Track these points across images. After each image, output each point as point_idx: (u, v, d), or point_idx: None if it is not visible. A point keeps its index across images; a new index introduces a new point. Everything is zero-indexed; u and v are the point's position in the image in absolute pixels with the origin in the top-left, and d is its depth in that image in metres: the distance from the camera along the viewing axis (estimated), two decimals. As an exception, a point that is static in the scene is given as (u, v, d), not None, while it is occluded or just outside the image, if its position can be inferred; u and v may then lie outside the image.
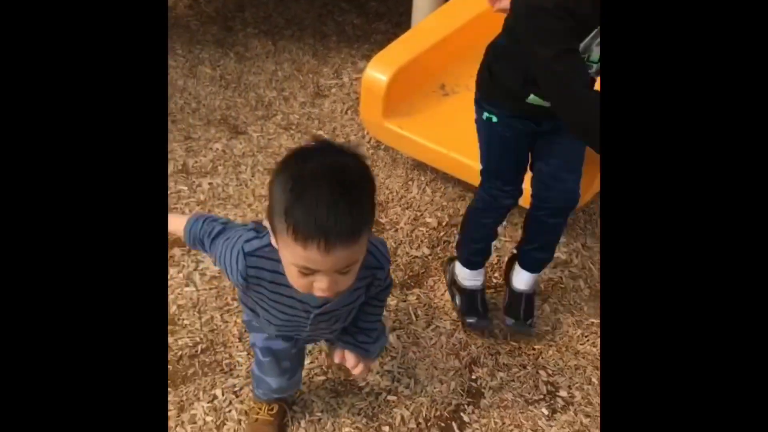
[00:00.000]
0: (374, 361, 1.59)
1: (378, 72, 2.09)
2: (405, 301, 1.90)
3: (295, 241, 1.00)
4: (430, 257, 2.04)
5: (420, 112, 2.16)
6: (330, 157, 1.04)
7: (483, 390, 1.70)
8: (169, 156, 2.32)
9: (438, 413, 1.65)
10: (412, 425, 1.62)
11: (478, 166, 2.02)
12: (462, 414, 1.66)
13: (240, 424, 1.60)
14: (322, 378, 1.70)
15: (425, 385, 1.70)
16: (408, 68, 2.13)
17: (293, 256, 1.04)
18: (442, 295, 1.92)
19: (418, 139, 2.09)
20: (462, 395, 1.69)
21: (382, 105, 2.09)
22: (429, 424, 1.63)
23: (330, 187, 0.99)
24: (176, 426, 1.59)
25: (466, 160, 2.04)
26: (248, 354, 1.73)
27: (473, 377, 1.73)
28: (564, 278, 2.01)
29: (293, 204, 0.99)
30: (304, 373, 1.61)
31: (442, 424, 1.63)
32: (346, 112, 2.54)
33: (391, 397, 1.67)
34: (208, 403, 1.64)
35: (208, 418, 1.61)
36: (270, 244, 1.14)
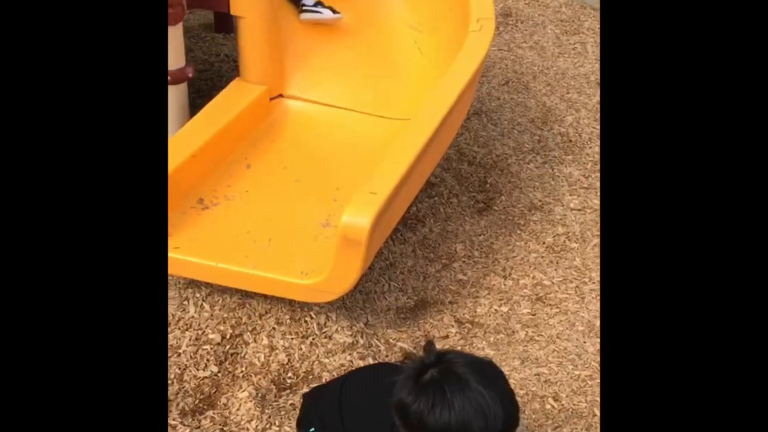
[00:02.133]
0: None
1: (130, 199, 2.04)
2: (199, 427, 1.82)
3: None
4: (219, 374, 1.99)
5: (182, 230, 2.14)
6: None
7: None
8: None
9: None
10: None
11: (250, 272, 2.06)
12: None
13: None
14: None
15: None
16: (161, 190, 2.11)
17: None
18: (237, 410, 1.88)
19: (185, 257, 2.07)
20: None
21: (141, 231, 2.04)
22: None
23: None
24: None
25: (237, 268, 2.06)
26: None
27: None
28: (354, 361, 2.07)
29: None
30: None
31: None
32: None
33: None
34: None
35: None
36: None
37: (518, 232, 2.70)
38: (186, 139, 2.31)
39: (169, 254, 2.05)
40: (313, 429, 1.59)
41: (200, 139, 2.31)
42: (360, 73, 2.79)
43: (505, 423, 1.26)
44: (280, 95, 2.71)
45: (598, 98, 3.62)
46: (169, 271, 2.17)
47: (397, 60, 2.86)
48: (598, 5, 4.59)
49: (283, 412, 1.88)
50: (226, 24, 3.95)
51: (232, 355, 2.05)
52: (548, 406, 2.00)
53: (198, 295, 2.23)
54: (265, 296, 2.23)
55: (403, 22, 3.00)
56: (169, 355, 2.02)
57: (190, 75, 2.52)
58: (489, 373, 1.32)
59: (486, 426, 1.23)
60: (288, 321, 2.18)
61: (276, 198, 2.35)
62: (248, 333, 2.13)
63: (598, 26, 4.35)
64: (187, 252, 2.07)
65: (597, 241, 2.66)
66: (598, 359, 2.14)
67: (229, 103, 2.52)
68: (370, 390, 1.54)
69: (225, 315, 2.17)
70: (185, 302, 2.20)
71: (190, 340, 2.07)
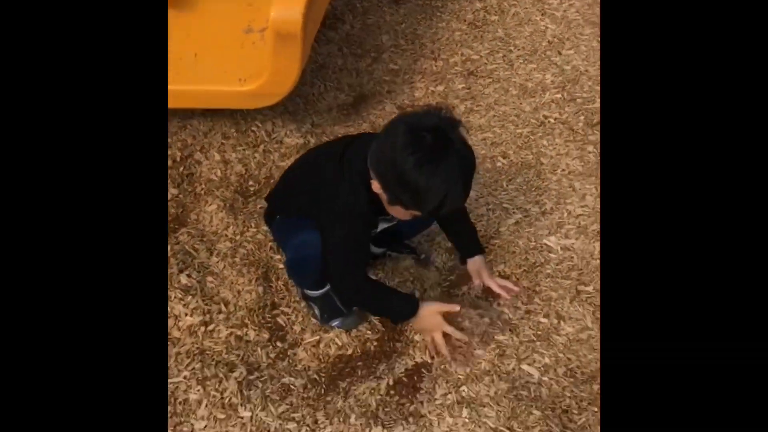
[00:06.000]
0: None
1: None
2: (178, 243, 1.83)
3: None
4: (180, 196, 1.97)
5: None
6: None
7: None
8: None
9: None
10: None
11: (188, 88, 1.97)
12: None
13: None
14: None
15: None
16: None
17: None
18: (210, 222, 1.89)
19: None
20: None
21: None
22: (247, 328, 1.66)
23: None
24: None
25: (174, 86, 1.96)
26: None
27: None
28: (310, 160, 2.10)
29: None
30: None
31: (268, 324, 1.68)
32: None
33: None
34: None
35: None
36: None
37: (438, 14, 2.68)
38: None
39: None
40: (278, 217, 1.68)
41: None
42: None
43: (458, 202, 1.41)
44: None
45: None
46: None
47: None
48: None
49: (255, 215, 1.91)
50: None
51: (188, 176, 2.03)
52: (499, 164, 2.13)
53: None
54: (204, 114, 2.17)
55: None
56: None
57: None
58: (470, 158, 1.39)
59: (446, 203, 1.35)
60: (235, 134, 2.15)
61: (189, 12, 2.20)
62: (198, 152, 2.09)
63: None
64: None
65: (514, 10, 2.69)
66: (536, 116, 2.26)
67: None
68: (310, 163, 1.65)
69: (168, 140, 2.11)
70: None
71: (140, 169, 2.02)
